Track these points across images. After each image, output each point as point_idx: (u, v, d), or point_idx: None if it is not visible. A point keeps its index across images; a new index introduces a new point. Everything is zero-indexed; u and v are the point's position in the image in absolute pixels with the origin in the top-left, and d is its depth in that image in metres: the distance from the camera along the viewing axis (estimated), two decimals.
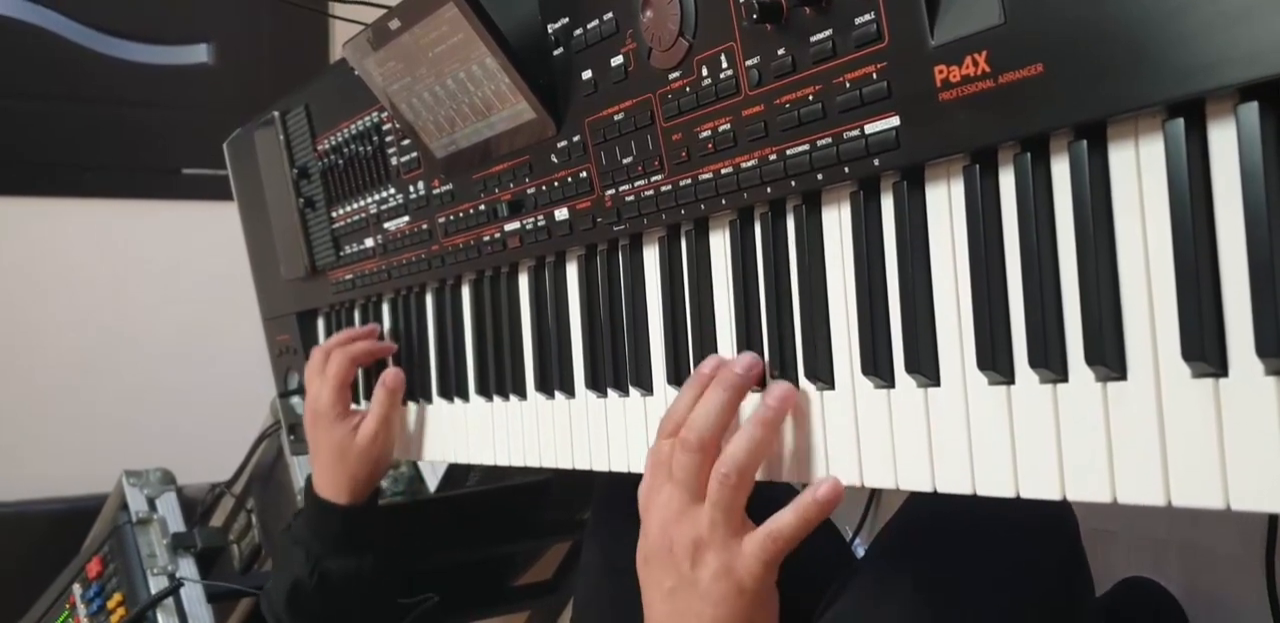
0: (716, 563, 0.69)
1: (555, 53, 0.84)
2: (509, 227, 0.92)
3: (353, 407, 1.15)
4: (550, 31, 0.84)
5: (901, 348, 0.64)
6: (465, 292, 1.04)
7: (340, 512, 1.12)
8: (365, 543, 1.13)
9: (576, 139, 0.83)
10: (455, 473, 1.50)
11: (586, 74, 0.81)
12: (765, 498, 0.73)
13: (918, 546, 0.83)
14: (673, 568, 0.71)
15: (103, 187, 2.42)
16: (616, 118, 0.79)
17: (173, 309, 2.42)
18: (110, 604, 1.50)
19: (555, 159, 0.86)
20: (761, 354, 0.73)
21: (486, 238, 0.95)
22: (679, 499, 0.71)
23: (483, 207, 0.95)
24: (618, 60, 0.78)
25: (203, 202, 2.43)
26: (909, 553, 0.83)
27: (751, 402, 0.73)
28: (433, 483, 1.53)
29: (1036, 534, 0.81)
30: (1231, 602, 1.18)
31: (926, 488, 0.63)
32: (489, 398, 1.00)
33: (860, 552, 1.18)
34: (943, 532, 0.82)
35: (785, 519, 0.68)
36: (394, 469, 1.41)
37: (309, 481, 1.15)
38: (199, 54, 2.56)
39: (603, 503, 1.13)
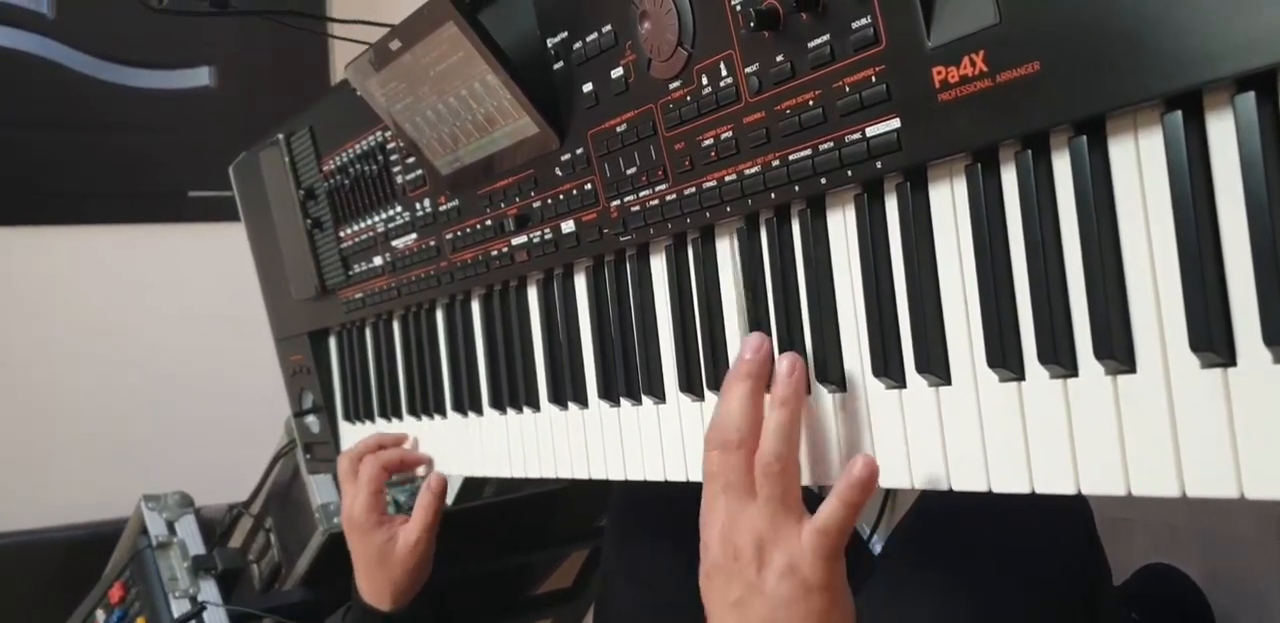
0: (781, 561, 0.66)
1: (555, 67, 0.84)
2: (516, 241, 0.93)
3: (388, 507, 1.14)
4: (550, 46, 0.84)
5: (911, 348, 0.64)
6: (475, 307, 1.04)
7: (383, 618, 1.10)
8: None
9: (580, 152, 0.84)
10: (471, 485, 1.51)
11: (587, 87, 0.82)
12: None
13: (933, 542, 0.83)
14: (738, 576, 0.68)
15: (110, 213, 2.44)
16: (619, 129, 0.80)
17: (184, 332, 2.43)
18: None
19: (559, 172, 0.86)
20: (771, 358, 0.73)
21: (494, 253, 0.96)
22: (734, 502, 0.69)
23: (489, 222, 0.95)
24: (618, 72, 0.79)
25: (210, 223, 2.44)
26: (925, 550, 0.83)
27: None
28: (449, 496, 1.53)
29: (1052, 526, 0.82)
30: (1252, 586, 1.18)
31: (942, 487, 0.63)
32: (503, 411, 1.01)
33: (878, 549, 1.19)
34: (957, 528, 0.83)
35: (829, 509, 0.66)
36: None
37: (354, 581, 1.14)
38: (201, 77, 2.57)
39: (620, 511, 1.13)
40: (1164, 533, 1.27)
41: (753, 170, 0.70)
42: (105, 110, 2.46)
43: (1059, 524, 0.84)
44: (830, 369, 0.69)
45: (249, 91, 2.59)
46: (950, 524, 0.84)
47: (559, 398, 0.93)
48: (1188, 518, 1.22)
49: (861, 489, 0.65)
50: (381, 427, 1.20)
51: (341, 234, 1.18)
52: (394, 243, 1.10)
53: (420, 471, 1.14)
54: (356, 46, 1.11)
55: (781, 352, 0.72)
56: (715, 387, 0.77)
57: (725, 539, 0.68)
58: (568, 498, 1.60)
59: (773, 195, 0.70)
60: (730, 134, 0.71)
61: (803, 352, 0.71)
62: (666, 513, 1.06)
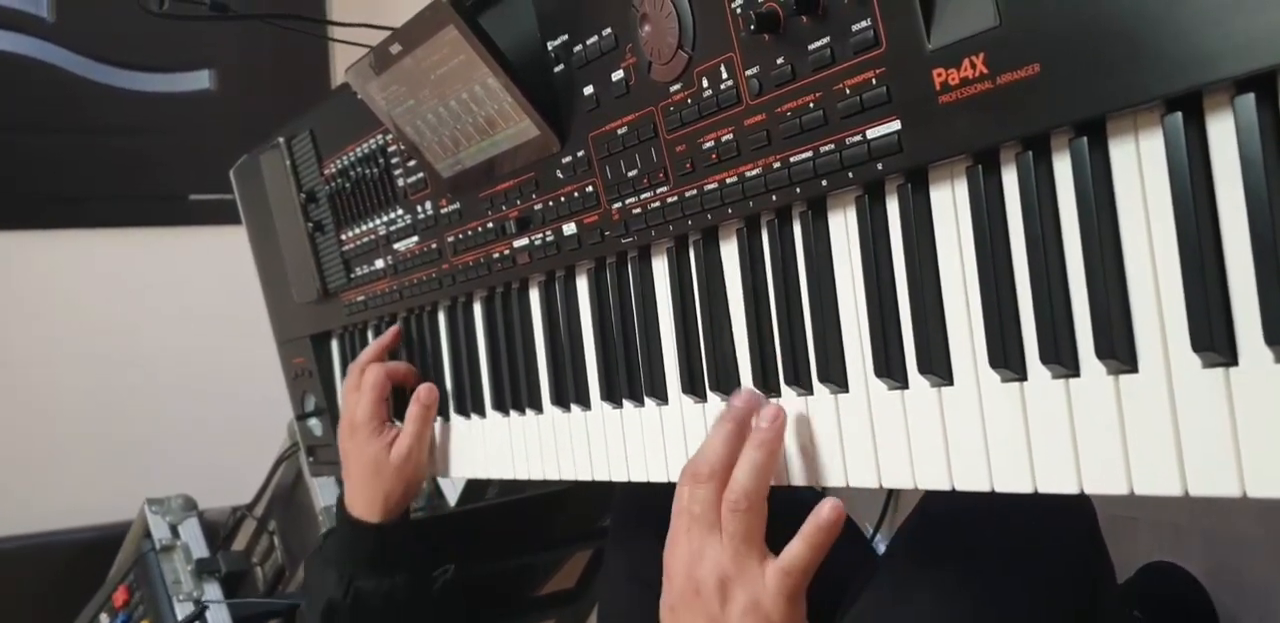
0: (744, 598, 0.69)
1: (556, 70, 0.84)
2: (518, 243, 0.93)
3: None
4: (550, 49, 0.85)
5: (913, 349, 0.64)
6: (477, 309, 1.05)
7: (373, 530, 1.11)
8: (399, 561, 1.12)
9: (581, 154, 0.84)
10: (474, 487, 1.51)
11: (588, 89, 0.82)
12: (792, 501, 0.73)
13: (936, 541, 0.84)
14: (701, 610, 0.70)
15: (112, 216, 2.44)
16: (620, 132, 0.80)
17: (187, 334, 2.43)
18: None
19: (561, 175, 0.86)
20: (774, 358, 0.73)
21: (496, 255, 0.96)
22: (698, 536, 0.71)
23: (491, 224, 0.95)
24: (618, 75, 0.79)
25: (211, 226, 2.44)
26: (928, 549, 0.83)
27: None
28: (452, 497, 1.54)
29: (1054, 525, 0.82)
30: (1255, 584, 1.18)
31: (944, 487, 0.63)
32: (505, 413, 1.01)
33: (881, 548, 1.19)
34: (960, 527, 0.83)
35: (795, 551, 0.69)
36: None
37: (340, 500, 1.15)
38: (201, 80, 2.58)
39: (623, 512, 1.13)
40: (1167, 531, 1.28)
41: (754, 172, 0.71)
42: (105, 113, 2.47)
43: (1062, 523, 0.84)
44: (832, 370, 0.69)
45: (249, 94, 2.59)
46: (953, 524, 0.84)
47: (561, 400, 0.93)
48: (1190, 516, 1.22)
49: (826, 534, 0.69)
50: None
51: (343, 237, 1.18)
52: (396, 246, 1.10)
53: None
54: (356, 48, 1.12)
55: (784, 351, 0.72)
56: (717, 388, 0.78)
57: (689, 574, 0.71)
58: (570, 499, 1.60)
59: (774, 197, 0.70)
60: (731, 136, 0.71)
61: (805, 352, 0.71)
62: (669, 514, 1.06)
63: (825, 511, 0.69)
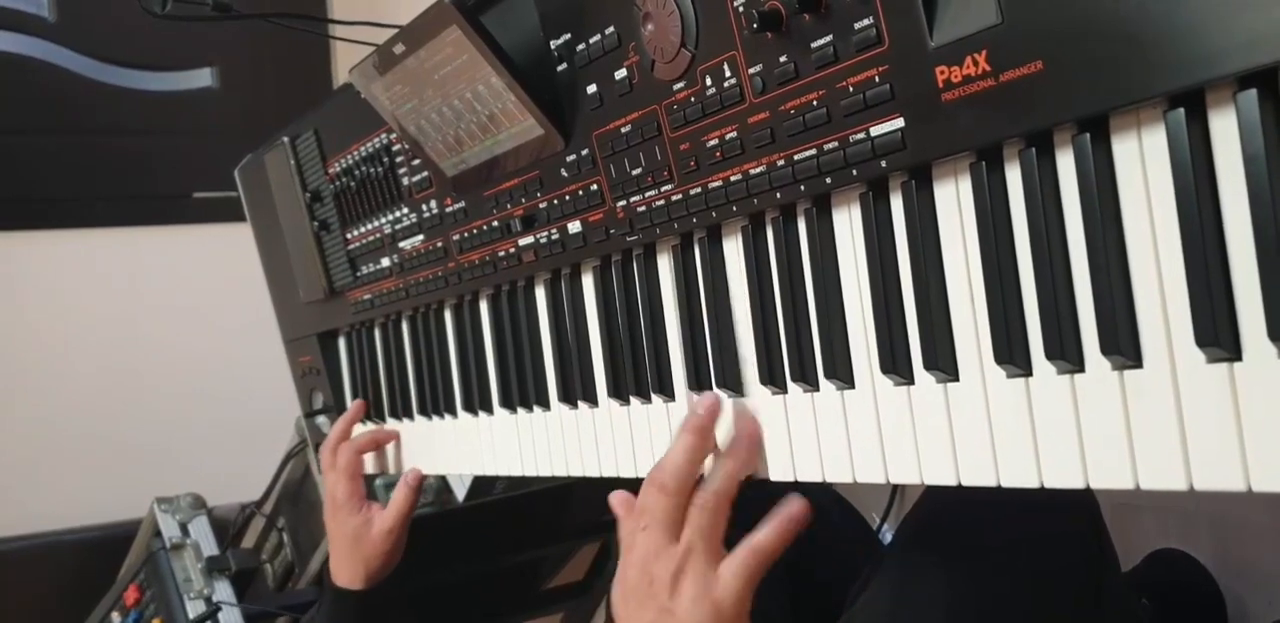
0: (694, 589, 0.72)
1: (559, 68, 0.85)
2: (523, 241, 0.93)
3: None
4: (553, 48, 0.85)
5: (919, 345, 0.64)
6: (483, 307, 1.05)
7: (355, 597, 1.16)
8: None
9: (585, 152, 0.84)
10: (481, 482, 1.52)
11: (591, 88, 0.82)
12: (751, 499, 0.76)
13: (941, 531, 0.84)
14: (650, 600, 0.73)
15: (115, 216, 2.44)
16: (624, 130, 0.80)
17: (193, 332, 2.43)
18: None
19: (565, 173, 0.87)
20: (780, 356, 0.74)
21: (501, 253, 0.96)
22: (658, 538, 0.74)
23: (496, 223, 0.96)
24: (621, 73, 0.79)
25: (216, 224, 2.45)
26: (933, 539, 0.84)
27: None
28: (460, 492, 1.54)
29: (1057, 514, 0.82)
30: (1262, 570, 1.18)
31: (951, 482, 0.64)
32: (513, 410, 1.01)
33: (887, 538, 1.19)
34: (965, 517, 0.83)
35: (764, 534, 0.72)
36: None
37: (325, 570, 1.20)
38: (203, 78, 2.57)
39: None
40: (1173, 519, 1.28)
41: (758, 170, 0.71)
42: (107, 113, 2.47)
43: (1065, 513, 0.84)
44: (838, 367, 0.69)
45: (252, 92, 2.59)
46: (958, 513, 0.85)
47: (569, 397, 0.94)
48: (1196, 503, 1.22)
49: (797, 526, 0.73)
50: (392, 426, 1.21)
51: (348, 236, 1.18)
52: (401, 244, 1.10)
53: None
54: (358, 46, 1.12)
55: (790, 348, 0.73)
56: (724, 384, 0.78)
57: (643, 569, 0.74)
58: (578, 492, 1.61)
59: (778, 195, 0.70)
60: (735, 134, 0.72)
61: (811, 349, 0.72)
62: None
63: (797, 506, 0.73)
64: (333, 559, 1.18)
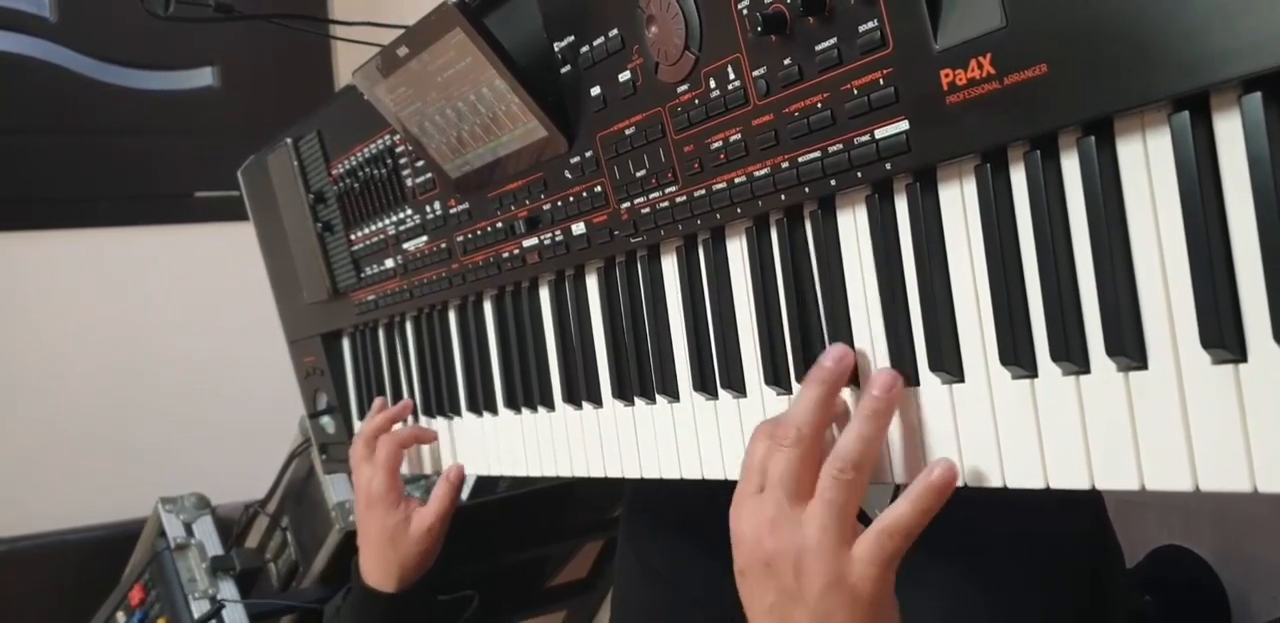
0: (825, 575, 0.62)
1: (563, 70, 0.85)
2: (527, 242, 0.93)
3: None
4: (557, 50, 0.85)
5: (924, 347, 0.65)
6: (487, 308, 1.05)
7: (386, 600, 1.10)
8: None
9: (589, 154, 0.84)
10: (485, 482, 1.52)
11: (595, 90, 0.82)
12: None
13: (946, 528, 0.84)
14: (772, 582, 0.64)
15: (118, 215, 2.45)
16: (628, 132, 0.80)
17: (196, 332, 2.44)
18: None
19: (569, 175, 0.87)
20: (785, 357, 0.74)
21: (505, 254, 0.97)
22: (775, 503, 0.65)
23: (500, 224, 0.96)
24: (625, 76, 0.79)
25: (218, 224, 2.45)
26: (938, 535, 0.84)
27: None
28: (464, 491, 1.54)
29: (1061, 511, 0.83)
30: (1265, 566, 1.18)
31: (956, 482, 0.64)
32: (517, 411, 1.02)
33: None
34: (968, 513, 0.83)
35: (900, 511, 0.62)
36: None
37: (355, 565, 1.14)
38: (204, 77, 2.58)
39: (634, 505, 1.14)
40: (1176, 515, 1.28)
41: (762, 172, 0.71)
42: (109, 112, 2.47)
43: (1070, 508, 0.84)
44: None
45: (253, 91, 2.59)
46: (961, 510, 0.85)
47: (573, 398, 0.94)
48: (1199, 499, 1.23)
49: (937, 495, 0.62)
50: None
51: (352, 237, 1.19)
52: (405, 245, 1.10)
53: (434, 468, 1.15)
54: (359, 46, 1.12)
55: (796, 354, 0.73)
56: (728, 386, 0.78)
57: (758, 542, 0.65)
58: (581, 490, 1.61)
59: (783, 197, 0.70)
60: (739, 136, 0.72)
61: (816, 350, 0.72)
62: (681, 508, 1.07)
63: (939, 471, 0.62)
64: (364, 558, 1.13)
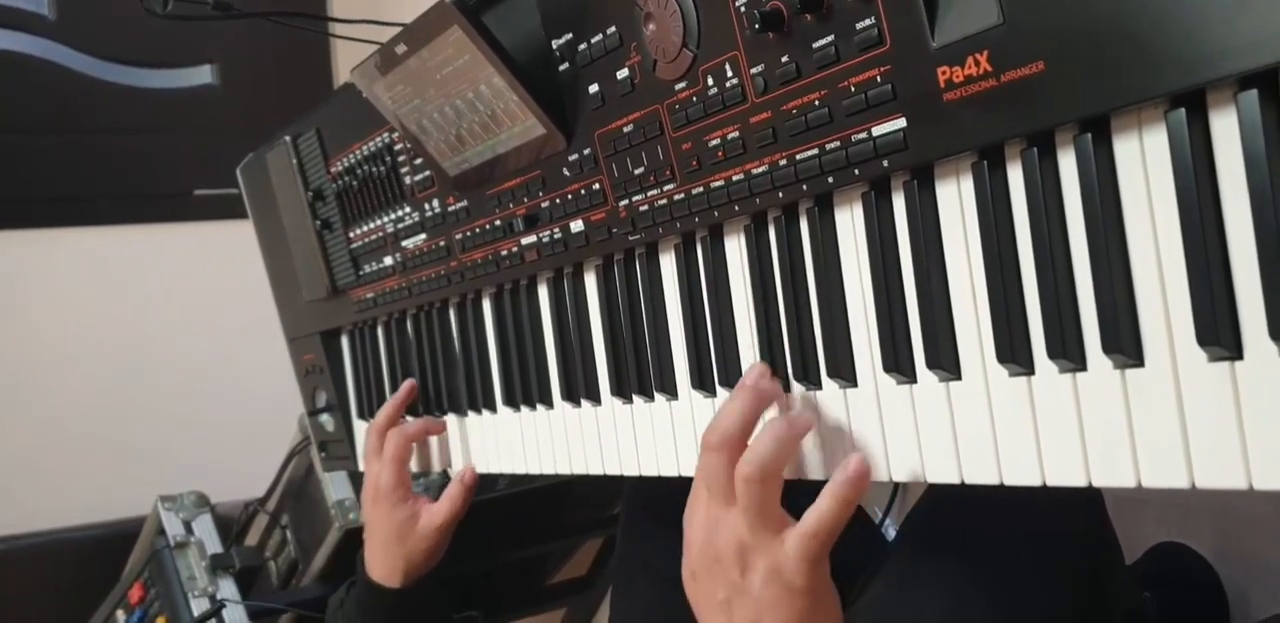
0: (763, 565, 0.67)
1: (561, 68, 0.85)
2: (525, 240, 0.94)
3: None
4: (555, 47, 0.85)
5: (921, 344, 0.65)
6: (486, 305, 1.05)
7: (392, 596, 1.10)
8: None
9: (587, 152, 0.84)
10: (485, 479, 1.52)
11: (593, 88, 0.82)
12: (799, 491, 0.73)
13: (945, 526, 0.84)
14: (722, 577, 0.69)
15: (117, 214, 2.45)
16: (626, 129, 0.80)
17: (196, 330, 2.44)
18: None
19: (567, 172, 0.87)
20: (783, 355, 0.74)
21: (504, 252, 0.97)
22: (714, 505, 0.70)
23: (498, 222, 0.96)
24: (623, 73, 0.79)
25: (217, 222, 2.45)
26: (937, 533, 0.84)
27: None
28: None
29: (1061, 508, 0.83)
30: (1264, 563, 1.19)
31: (954, 480, 0.64)
32: (516, 409, 1.02)
33: (891, 533, 1.20)
34: (968, 511, 0.83)
35: (820, 508, 0.66)
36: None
37: (361, 557, 1.14)
38: (203, 75, 2.57)
39: (632, 504, 1.14)
40: (1175, 512, 1.28)
41: (760, 170, 0.71)
42: (108, 111, 2.47)
43: (1069, 505, 0.84)
44: (841, 365, 0.70)
45: (252, 89, 2.59)
46: (961, 507, 0.85)
47: (572, 395, 0.94)
48: (1198, 496, 1.23)
49: (856, 487, 0.66)
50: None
51: (351, 235, 1.19)
52: (404, 243, 1.10)
53: (436, 465, 1.14)
54: (359, 44, 1.12)
55: (793, 350, 0.73)
56: (726, 383, 0.78)
57: (707, 541, 0.70)
58: (580, 488, 1.61)
59: (780, 194, 0.70)
60: (737, 134, 0.72)
61: (814, 348, 0.72)
62: (679, 505, 1.07)
63: (853, 464, 0.66)
64: (369, 552, 1.12)
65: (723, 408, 0.71)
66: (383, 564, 1.11)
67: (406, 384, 1.15)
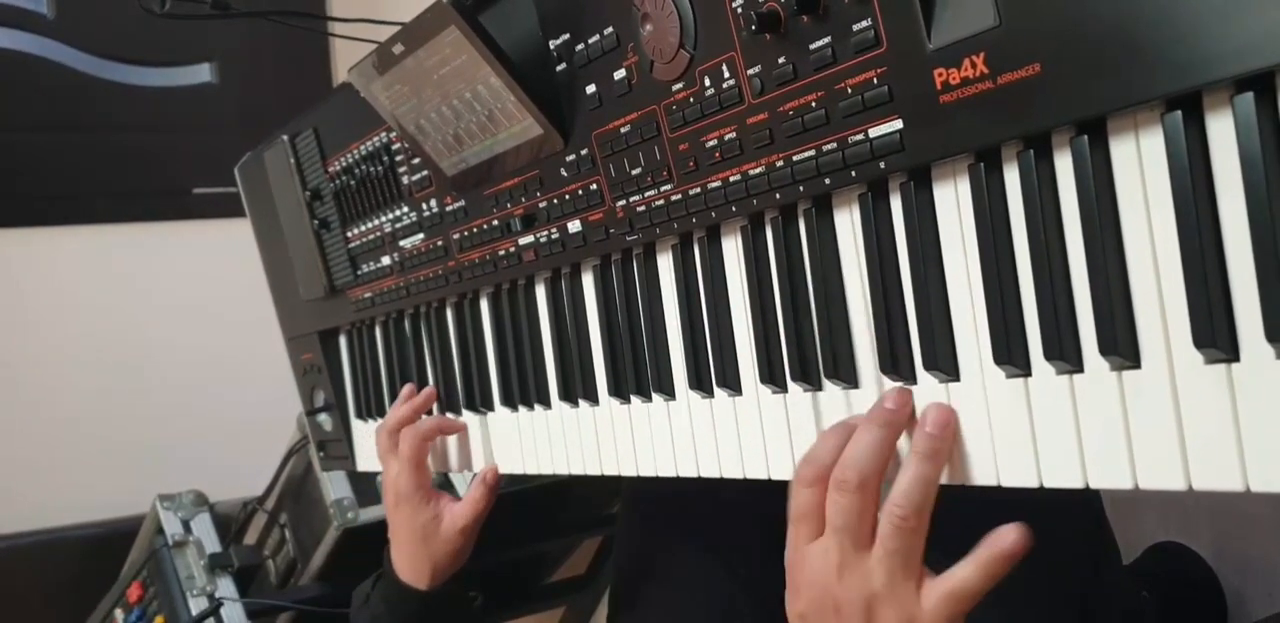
0: (894, 617, 0.62)
1: (558, 69, 0.85)
2: (523, 240, 0.94)
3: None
4: (552, 48, 0.85)
5: (919, 345, 0.65)
6: (484, 305, 1.05)
7: (419, 597, 1.08)
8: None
9: (585, 152, 0.84)
10: None
11: (590, 88, 0.82)
12: None
13: (941, 525, 0.85)
14: None
15: (116, 212, 2.45)
16: (623, 130, 0.80)
17: (194, 328, 2.44)
18: None
19: (565, 172, 0.87)
20: (781, 356, 0.74)
21: (502, 252, 0.97)
22: (840, 550, 0.64)
23: (496, 222, 0.96)
24: (620, 74, 0.79)
25: (216, 220, 2.45)
26: (935, 535, 0.84)
27: None
28: (461, 489, 1.54)
29: (1059, 507, 0.83)
30: (1261, 563, 1.19)
31: (952, 481, 0.64)
32: (514, 409, 1.02)
33: None
34: (965, 510, 0.84)
35: (966, 574, 0.62)
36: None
37: (387, 553, 1.12)
38: (202, 74, 2.58)
39: (630, 503, 1.14)
40: (1173, 512, 1.29)
41: (757, 171, 0.71)
42: (108, 109, 2.47)
43: (1067, 506, 0.85)
44: (839, 367, 0.70)
45: (251, 87, 2.59)
46: (957, 507, 0.85)
47: (569, 395, 0.94)
48: (1196, 496, 1.23)
49: (1007, 563, 0.61)
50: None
51: (349, 234, 1.19)
52: (402, 243, 1.10)
53: (455, 465, 1.14)
54: (357, 42, 1.12)
55: (791, 352, 0.73)
56: (723, 384, 0.78)
57: (825, 590, 0.65)
58: (579, 487, 1.61)
59: (777, 195, 0.70)
60: (734, 135, 0.72)
61: (812, 349, 0.72)
62: (677, 505, 1.07)
63: (1012, 538, 0.61)
64: (395, 553, 1.10)
65: (858, 439, 0.65)
66: (410, 566, 1.09)
67: (426, 392, 1.12)
